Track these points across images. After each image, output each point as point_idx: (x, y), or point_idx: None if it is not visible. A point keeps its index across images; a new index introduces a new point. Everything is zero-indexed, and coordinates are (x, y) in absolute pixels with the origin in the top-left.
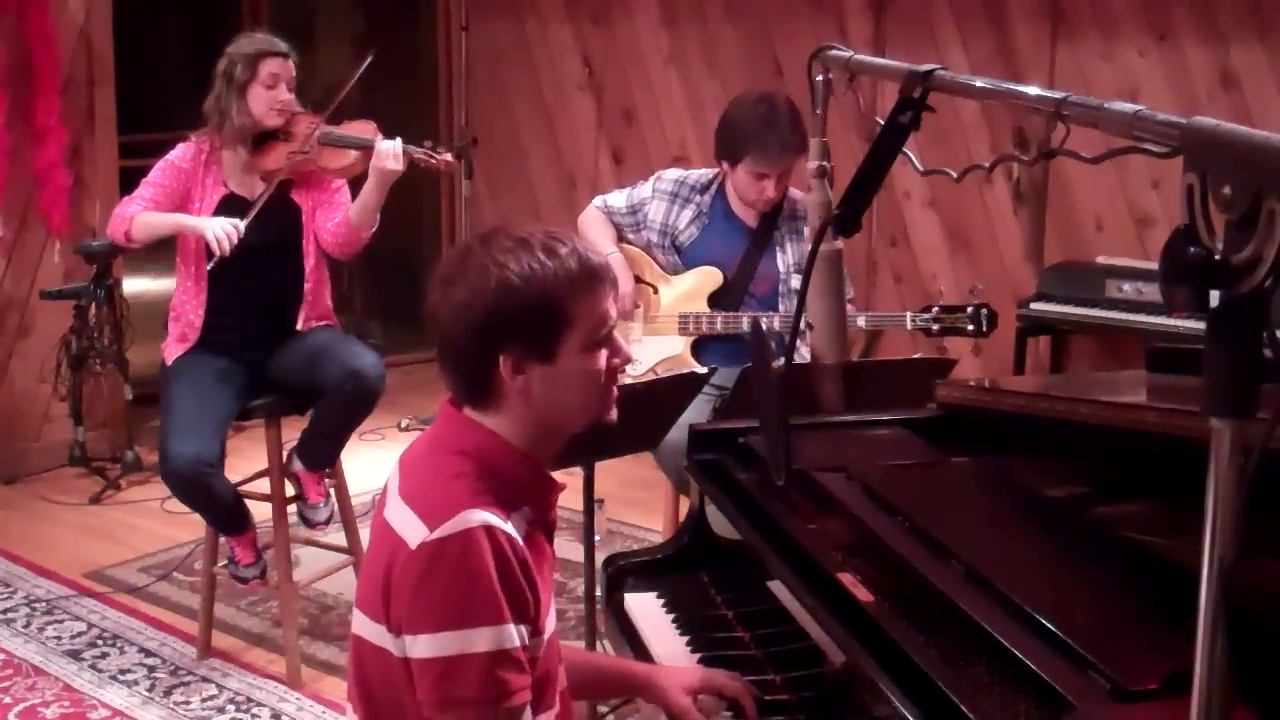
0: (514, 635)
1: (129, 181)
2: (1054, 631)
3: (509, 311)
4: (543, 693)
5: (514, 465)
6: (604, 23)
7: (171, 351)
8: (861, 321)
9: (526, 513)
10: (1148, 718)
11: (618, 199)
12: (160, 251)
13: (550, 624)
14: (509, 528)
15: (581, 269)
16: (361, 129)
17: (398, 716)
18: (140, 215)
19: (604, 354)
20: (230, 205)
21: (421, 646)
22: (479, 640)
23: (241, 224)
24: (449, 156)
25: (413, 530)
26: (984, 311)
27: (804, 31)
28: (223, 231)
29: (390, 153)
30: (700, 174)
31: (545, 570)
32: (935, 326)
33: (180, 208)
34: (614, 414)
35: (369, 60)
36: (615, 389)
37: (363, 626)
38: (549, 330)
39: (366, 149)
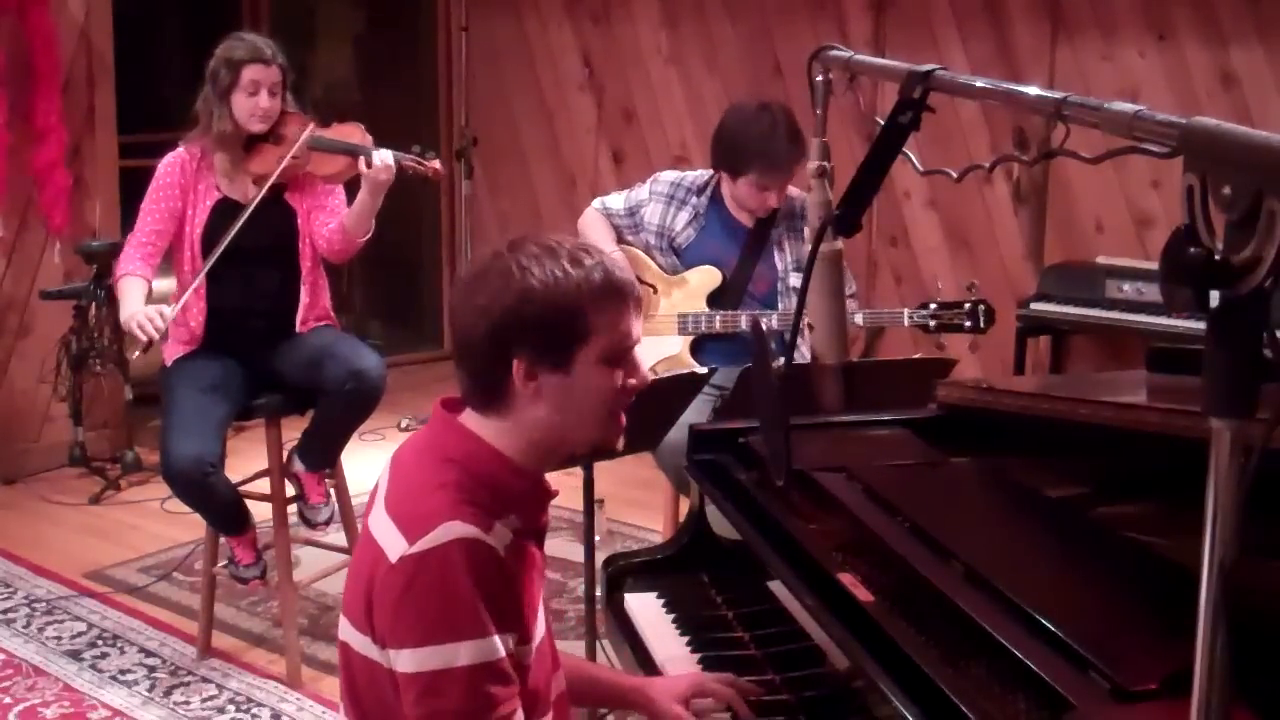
0: (498, 646)
1: (129, 181)
2: (1054, 631)
3: (526, 316)
4: (535, 702)
5: (504, 475)
6: (604, 23)
7: (171, 352)
8: (859, 319)
9: (512, 520)
10: (1148, 718)
11: (616, 201)
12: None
13: (539, 631)
14: (489, 539)
15: (605, 283)
16: (350, 133)
17: None
18: (121, 280)
19: (620, 373)
20: (224, 210)
21: (405, 660)
22: (462, 654)
23: (167, 310)
24: (437, 164)
25: (393, 543)
26: (981, 307)
27: (804, 31)
28: (145, 319)
29: (381, 164)
30: (696, 175)
31: (534, 577)
32: (932, 323)
33: (179, 219)
34: (620, 441)
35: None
36: (624, 416)
37: (349, 634)
38: (565, 339)
39: (354, 154)
